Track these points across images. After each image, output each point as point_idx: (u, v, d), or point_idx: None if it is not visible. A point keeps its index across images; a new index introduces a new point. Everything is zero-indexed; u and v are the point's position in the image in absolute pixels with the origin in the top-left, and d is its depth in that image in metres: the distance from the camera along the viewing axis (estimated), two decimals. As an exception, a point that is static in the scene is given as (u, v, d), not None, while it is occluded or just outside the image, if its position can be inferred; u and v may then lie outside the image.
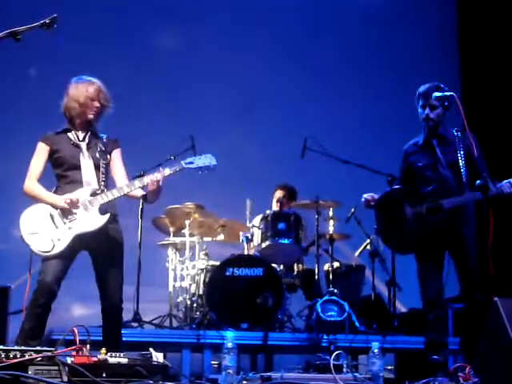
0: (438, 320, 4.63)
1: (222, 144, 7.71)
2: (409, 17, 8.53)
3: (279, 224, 6.43)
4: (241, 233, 6.56)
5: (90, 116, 4.45)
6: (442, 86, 4.70)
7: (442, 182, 4.65)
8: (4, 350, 3.36)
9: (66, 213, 4.29)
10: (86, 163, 4.41)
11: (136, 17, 8.09)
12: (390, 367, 5.68)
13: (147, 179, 4.36)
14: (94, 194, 4.34)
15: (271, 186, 7.07)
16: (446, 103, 4.66)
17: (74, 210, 4.28)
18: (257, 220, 6.67)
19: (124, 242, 4.49)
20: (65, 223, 4.27)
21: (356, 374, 4.68)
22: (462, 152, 4.62)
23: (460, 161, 4.60)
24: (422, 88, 4.73)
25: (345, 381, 4.39)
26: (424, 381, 4.31)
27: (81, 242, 4.30)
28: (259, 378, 4.53)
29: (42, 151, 4.46)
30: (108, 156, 4.50)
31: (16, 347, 3.48)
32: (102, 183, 4.41)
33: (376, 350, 4.58)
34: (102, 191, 4.36)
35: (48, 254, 4.21)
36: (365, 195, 4.96)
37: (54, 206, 4.30)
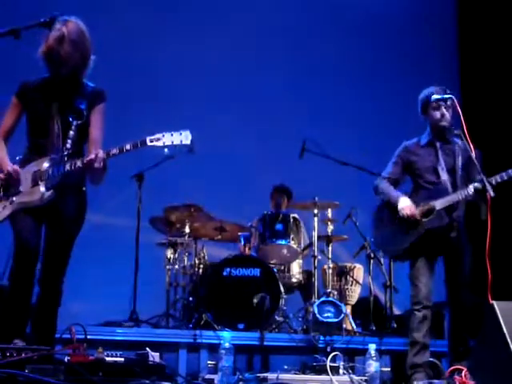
0: (424, 320, 4.62)
1: (220, 144, 7.71)
2: (408, 17, 8.53)
3: (277, 225, 6.45)
4: (239, 233, 6.55)
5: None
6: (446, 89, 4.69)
7: (439, 185, 4.66)
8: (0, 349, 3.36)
9: (9, 185, 3.85)
10: (55, 127, 3.87)
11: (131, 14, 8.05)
12: (386, 369, 5.67)
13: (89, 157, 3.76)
14: (52, 165, 3.82)
15: (270, 186, 7.07)
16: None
17: (21, 183, 3.82)
18: (255, 221, 6.68)
19: (83, 217, 4.00)
20: (8, 197, 3.85)
21: (352, 376, 4.68)
22: (460, 157, 4.65)
23: (458, 166, 4.63)
24: (431, 91, 4.70)
25: (341, 382, 4.39)
26: (420, 383, 4.31)
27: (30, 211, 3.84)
28: (255, 379, 4.52)
29: (13, 107, 3.95)
30: (84, 113, 3.89)
31: (12, 346, 3.47)
32: (67, 151, 3.84)
33: (373, 352, 4.59)
34: (60, 161, 3.80)
35: None
36: (408, 212, 4.66)
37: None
